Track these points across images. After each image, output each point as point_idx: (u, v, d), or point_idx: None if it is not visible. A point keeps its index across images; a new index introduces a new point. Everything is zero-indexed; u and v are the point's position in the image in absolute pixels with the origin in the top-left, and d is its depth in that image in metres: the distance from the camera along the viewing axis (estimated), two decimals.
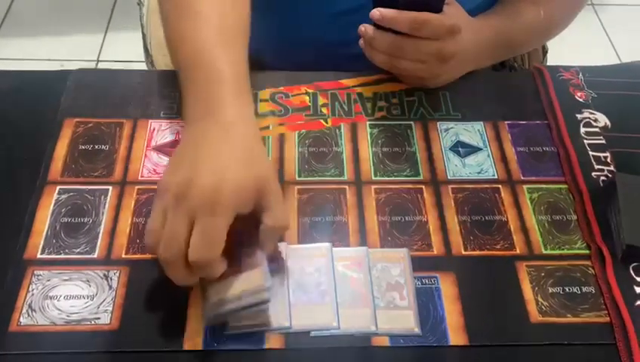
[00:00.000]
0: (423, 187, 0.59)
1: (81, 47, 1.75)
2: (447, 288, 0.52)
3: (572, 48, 1.80)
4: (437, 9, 0.59)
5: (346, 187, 0.59)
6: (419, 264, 0.53)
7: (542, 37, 0.80)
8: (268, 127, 0.63)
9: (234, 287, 0.47)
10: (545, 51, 0.88)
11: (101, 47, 1.77)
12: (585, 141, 0.63)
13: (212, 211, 0.44)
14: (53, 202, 0.56)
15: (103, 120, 0.63)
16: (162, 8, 0.60)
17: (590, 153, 0.62)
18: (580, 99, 0.67)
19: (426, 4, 0.58)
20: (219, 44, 0.53)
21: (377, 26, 0.60)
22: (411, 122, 0.64)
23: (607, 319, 0.50)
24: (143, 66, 0.87)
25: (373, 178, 0.59)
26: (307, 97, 0.66)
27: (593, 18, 1.99)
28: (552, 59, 0.89)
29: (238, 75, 0.52)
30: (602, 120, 0.65)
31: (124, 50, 1.63)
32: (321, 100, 0.66)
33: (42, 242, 0.53)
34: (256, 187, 0.46)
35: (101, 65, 1.74)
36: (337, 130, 0.63)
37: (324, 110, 0.65)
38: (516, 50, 0.80)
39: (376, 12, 0.57)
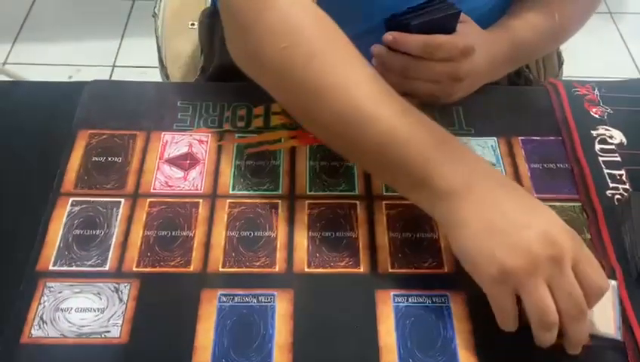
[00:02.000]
0: None
1: (97, 52, 1.77)
2: (457, 307, 0.51)
3: (589, 58, 1.79)
4: (450, 30, 0.59)
5: (357, 202, 0.58)
6: (429, 282, 0.53)
7: (557, 42, 0.79)
8: (279, 140, 0.63)
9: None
10: (561, 62, 0.87)
11: (117, 53, 1.79)
12: (600, 158, 0.62)
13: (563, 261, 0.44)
14: (66, 214, 0.57)
15: (116, 132, 0.64)
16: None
17: (605, 171, 0.61)
18: (596, 115, 0.66)
19: (438, 27, 0.58)
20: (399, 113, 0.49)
21: (391, 48, 0.60)
22: None
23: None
24: (159, 72, 0.87)
25: (385, 193, 0.59)
26: None
27: (611, 27, 1.97)
28: (568, 69, 0.88)
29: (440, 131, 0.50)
30: (618, 137, 0.64)
31: (139, 56, 1.65)
32: None
33: (55, 254, 0.54)
34: None
35: (117, 71, 1.76)
36: None
37: None
38: (531, 59, 0.79)
39: (389, 36, 0.56)
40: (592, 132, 0.65)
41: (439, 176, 0.47)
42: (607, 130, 0.65)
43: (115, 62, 1.77)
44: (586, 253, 0.46)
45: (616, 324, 0.49)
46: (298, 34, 0.50)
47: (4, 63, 1.75)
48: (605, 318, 0.49)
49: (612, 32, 1.95)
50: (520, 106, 0.68)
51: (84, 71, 1.74)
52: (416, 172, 0.48)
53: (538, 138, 0.65)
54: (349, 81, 0.50)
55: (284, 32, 0.50)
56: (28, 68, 1.70)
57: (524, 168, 0.62)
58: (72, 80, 1.71)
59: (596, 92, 0.69)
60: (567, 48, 0.87)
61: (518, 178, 0.61)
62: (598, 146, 0.63)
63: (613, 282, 0.52)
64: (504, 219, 0.45)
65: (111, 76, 1.74)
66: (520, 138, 0.64)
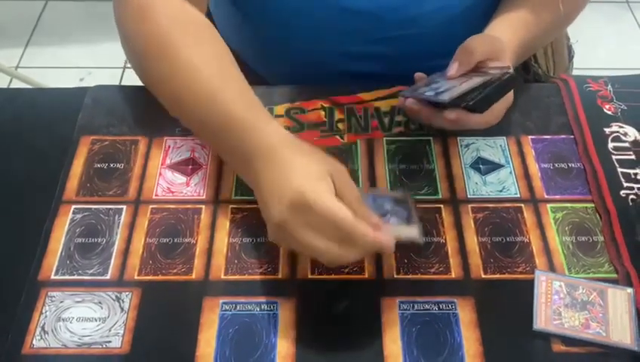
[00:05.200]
0: (442, 206, 0.57)
1: (108, 54, 1.77)
2: (465, 314, 0.50)
3: (606, 48, 1.75)
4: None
5: None
6: (436, 288, 0.52)
7: (562, 29, 0.79)
8: None
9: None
10: (571, 56, 0.85)
11: None
12: (613, 157, 0.60)
13: (311, 211, 0.45)
14: (68, 222, 0.56)
15: (118, 137, 0.63)
16: (153, 68, 0.59)
17: (619, 170, 0.59)
18: (609, 112, 0.64)
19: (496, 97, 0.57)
20: (222, 89, 0.54)
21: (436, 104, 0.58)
22: (430, 138, 0.63)
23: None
24: None
25: None
26: (323, 112, 0.65)
27: (628, 16, 1.92)
28: (585, 60, 0.86)
29: (252, 107, 0.54)
30: (632, 134, 0.62)
31: None
32: (337, 115, 0.64)
33: (56, 263, 0.53)
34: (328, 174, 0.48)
35: (128, 72, 1.76)
36: (353, 147, 0.62)
37: (340, 126, 0.64)
38: (537, 50, 0.78)
39: (453, 115, 0.56)
40: (605, 129, 0.62)
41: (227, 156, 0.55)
42: (620, 127, 0.63)
43: (125, 64, 1.78)
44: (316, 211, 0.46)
45: (633, 334, 0.48)
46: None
47: (17, 67, 1.77)
48: (622, 328, 0.48)
49: (629, 21, 1.91)
50: (530, 104, 0.66)
51: (95, 73, 1.74)
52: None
53: (549, 137, 0.63)
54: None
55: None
56: (40, 71, 1.71)
57: (534, 168, 0.60)
58: (84, 82, 1.72)
59: (609, 87, 0.66)
60: (582, 38, 0.85)
61: (528, 179, 0.59)
62: (611, 144, 0.61)
63: (629, 290, 0.50)
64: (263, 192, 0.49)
65: (122, 78, 1.75)
66: (530, 137, 0.63)
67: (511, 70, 0.57)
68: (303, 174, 0.47)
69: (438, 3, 0.67)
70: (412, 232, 0.49)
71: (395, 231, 0.49)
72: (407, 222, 0.50)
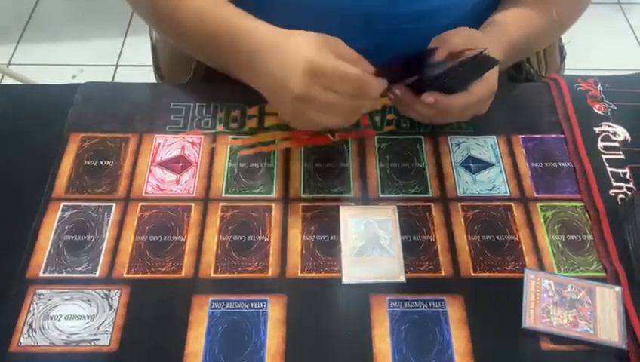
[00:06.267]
0: (432, 204, 0.57)
1: (100, 52, 1.77)
2: (454, 312, 0.50)
3: (598, 49, 1.76)
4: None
5: (353, 204, 0.57)
6: (425, 286, 0.52)
7: (555, 37, 0.78)
8: (273, 142, 0.62)
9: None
10: (563, 56, 0.85)
11: (120, 52, 1.78)
12: (603, 156, 0.60)
13: (325, 74, 0.51)
14: (57, 219, 0.56)
15: (108, 135, 0.63)
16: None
17: (608, 169, 0.59)
18: (599, 112, 0.64)
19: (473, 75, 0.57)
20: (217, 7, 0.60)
21: (418, 84, 0.58)
22: (421, 136, 0.63)
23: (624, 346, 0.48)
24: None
25: (381, 195, 0.58)
26: None
27: (620, 18, 1.93)
28: (576, 61, 0.86)
29: (245, 16, 0.59)
30: (622, 133, 0.62)
31: (143, 55, 1.64)
32: None
33: (45, 260, 0.53)
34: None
35: (120, 70, 1.75)
36: (344, 145, 0.62)
37: None
38: (528, 55, 0.78)
39: (431, 98, 0.56)
40: (594, 129, 0.63)
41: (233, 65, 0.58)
42: (610, 126, 0.63)
43: (118, 61, 1.77)
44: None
45: (620, 333, 0.48)
46: None
47: (8, 64, 1.75)
48: (610, 326, 0.48)
49: (621, 23, 1.92)
50: (520, 103, 0.66)
51: (87, 71, 1.73)
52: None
53: (539, 136, 0.63)
54: None
55: None
56: (31, 68, 1.70)
57: (524, 167, 0.60)
58: (76, 80, 1.71)
59: (599, 87, 0.67)
60: (574, 39, 0.85)
61: (518, 177, 0.59)
62: (601, 144, 0.61)
63: (617, 288, 0.50)
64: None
65: (114, 75, 1.74)
66: (520, 136, 0.63)
67: (487, 51, 0.56)
68: (308, 48, 0.52)
69: (445, 1, 0.67)
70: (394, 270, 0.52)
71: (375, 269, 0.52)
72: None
